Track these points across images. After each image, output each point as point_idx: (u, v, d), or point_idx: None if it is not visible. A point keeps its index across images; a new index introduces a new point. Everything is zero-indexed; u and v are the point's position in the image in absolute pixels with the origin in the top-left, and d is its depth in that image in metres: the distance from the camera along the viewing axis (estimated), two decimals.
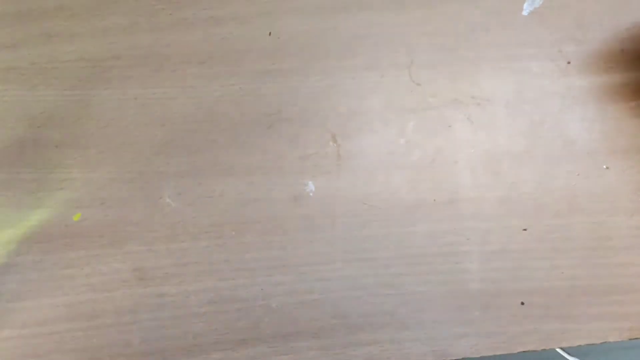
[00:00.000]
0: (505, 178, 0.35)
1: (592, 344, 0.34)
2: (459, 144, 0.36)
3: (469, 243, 0.34)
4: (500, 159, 0.36)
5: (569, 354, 0.36)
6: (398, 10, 0.37)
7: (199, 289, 0.34)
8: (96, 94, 0.36)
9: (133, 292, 0.34)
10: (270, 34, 0.37)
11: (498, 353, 0.33)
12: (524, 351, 0.34)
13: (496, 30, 0.37)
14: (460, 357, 0.33)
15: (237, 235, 0.34)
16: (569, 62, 0.37)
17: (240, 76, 0.36)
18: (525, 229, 0.35)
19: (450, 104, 0.36)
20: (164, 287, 0.34)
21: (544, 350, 0.34)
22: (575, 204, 0.35)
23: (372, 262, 0.34)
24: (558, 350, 0.34)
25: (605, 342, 0.34)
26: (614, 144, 0.35)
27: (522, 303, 0.34)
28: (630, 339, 0.34)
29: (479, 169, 0.35)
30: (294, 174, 0.35)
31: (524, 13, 0.37)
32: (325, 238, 0.34)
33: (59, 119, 0.36)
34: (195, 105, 0.36)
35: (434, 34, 0.37)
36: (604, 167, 0.35)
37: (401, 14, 0.37)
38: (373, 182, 0.35)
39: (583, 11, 0.37)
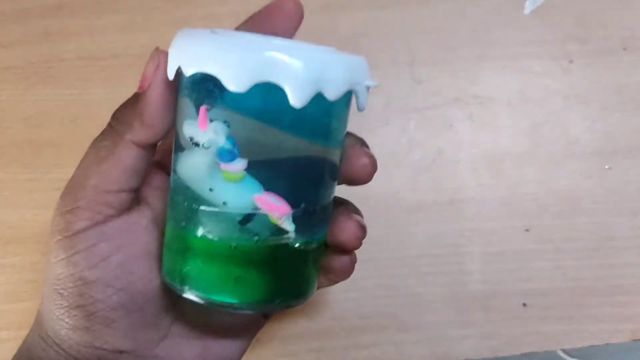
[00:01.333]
0: (507, 178, 0.35)
1: (595, 346, 0.33)
2: (461, 143, 0.35)
3: (470, 244, 0.34)
4: (502, 159, 0.35)
5: (570, 355, 0.36)
6: (399, 9, 0.37)
7: None
8: (94, 93, 0.36)
9: None
10: None
11: (500, 355, 0.33)
12: (525, 353, 0.33)
13: (498, 29, 0.37)
14: (462, 359, 0.33)
15: None
16: (571, 61, 0.36)
17: None
18: (527, 230, 0.34)
19: (452, 103, 0.36)
20: None
21: (547, 352, 0.33)
22: (577, 205, 0.34)
23: (372, 263, 0.34)
24: (559, 352, 0.34)
25: (608, 343, 0.34)
26: (617, 143, 0.35)
27: (524, 304, 0.34)
28: (633, 341, 0.34)
29: (481, 169, 0.35)
30: None
31: (526, 12, 0.37)
32: None
33: (56, 118, 0.36)
34: None
35: (436, 33, 0.37)
36: (607, 167, 0.35)
37: (402, 12, 0.37)
38: (373, 182, 0.35)
39: (585, 10, 0.37)
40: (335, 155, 0.22)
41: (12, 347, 0.33)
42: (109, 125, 0.23)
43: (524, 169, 0.35)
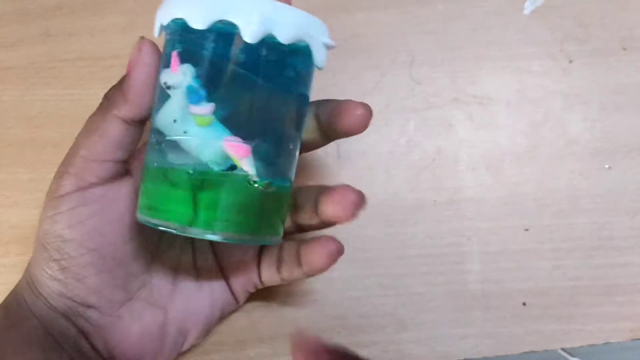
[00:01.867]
0: (507, 178, 0.35)
1: (594, 345, 0.33)
2: (460, 143, 0.36)
3: (469, 243, 0.34)
4: (502, 159, 0.35)
5: (570, 354, 0.36)
6: (398, 9, 0.37)
7: None
8: (95, 94, 0.36)
9: None
10: None
11: (499, 354, 0.33)
12: (525, 352, 0.33)
13: (497, 29, 0.37)
14: (461, 358, 0.33)
15: None
16: (570, 61, 0.36)
17: None
18: (526, 229, 0.34)
19: (452, 103, 0.36)
20: None
21: (546, 351, 0.33)
22: (577, 204, 0.35)
23: (372, 263, 0.34)
24: (559, 351, 0.34)
25: (607, 342, 0.34)
26: (617, 143, 0.35)
27: (524, 303, 0.34)
28: (632, 340, 0.34)
29: (480, 168, 0.35)
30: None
31: (525, 12, 0.37)
32: None
33: (57, 118, 0.36)
34: None
35: (435, 33, 0.37)
36: (606, 166, 0.35)
37: (401, 12, 0.37)
38: (373, 182, 0.35)
39: (585, 10, 0.37)
40: (296, 108, 0.25)
41: None
42: (100, 103, 0.27)
43: (523, 168, 0.35)
